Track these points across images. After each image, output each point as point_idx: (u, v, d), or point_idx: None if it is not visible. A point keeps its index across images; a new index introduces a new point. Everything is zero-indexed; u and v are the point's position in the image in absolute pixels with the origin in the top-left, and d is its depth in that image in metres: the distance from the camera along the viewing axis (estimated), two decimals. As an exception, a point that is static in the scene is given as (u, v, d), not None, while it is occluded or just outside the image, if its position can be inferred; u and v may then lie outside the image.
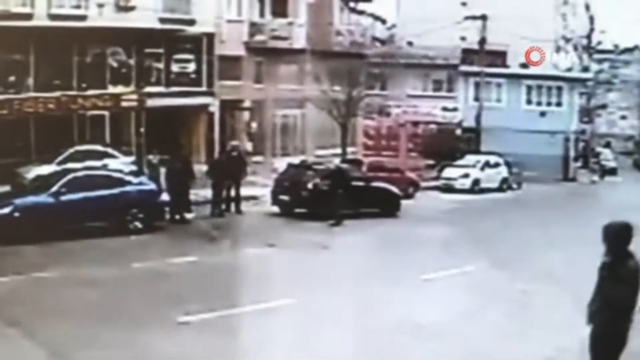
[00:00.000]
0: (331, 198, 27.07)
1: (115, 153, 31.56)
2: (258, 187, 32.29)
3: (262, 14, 42.15)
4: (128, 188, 23.85)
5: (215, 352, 11.98)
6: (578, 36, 70.02)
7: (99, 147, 31.44)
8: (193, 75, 38.58)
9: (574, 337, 12.56)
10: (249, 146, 39.19)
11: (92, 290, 15.49)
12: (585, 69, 70.04)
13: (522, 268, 19.33)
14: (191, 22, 37.54)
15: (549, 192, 45.28)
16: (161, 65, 37.42)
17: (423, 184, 41.01)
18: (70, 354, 11.61)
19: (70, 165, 26.76)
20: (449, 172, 44.83)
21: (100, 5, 34.02)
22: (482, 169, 45.43)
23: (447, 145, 52.48)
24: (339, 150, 41.86)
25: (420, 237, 25.20)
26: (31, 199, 22.17)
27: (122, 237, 22.20)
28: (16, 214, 21.25)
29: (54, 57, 32.83)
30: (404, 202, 31.99)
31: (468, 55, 56.70)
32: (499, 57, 57.78)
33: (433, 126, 55.26)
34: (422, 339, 12.89)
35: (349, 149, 43.48)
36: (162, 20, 36.41)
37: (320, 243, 22.62)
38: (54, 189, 22.27)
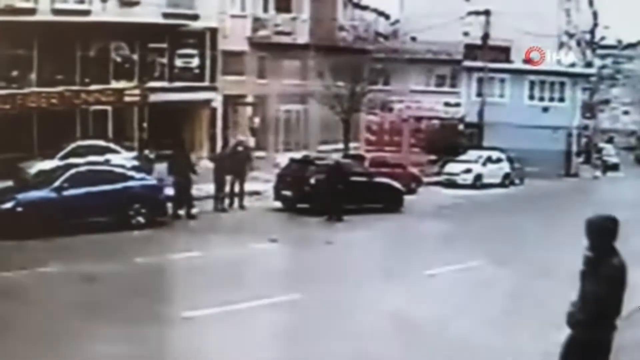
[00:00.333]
0: (327, 193, 27.07)
1: (118, 148, 31.60)
2: (261, 182, 32.30)
3: (265, 9, 42.16)
4: (130, 183, 23.84)
5: (219, 347, 11.99)
6: (581, 32, 69.94)
7: (101, 142, 31.48)
8: (196, 70, 38.63)
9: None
10: (251, 141, 39.19)
11: (94, 285, 15.51)
12: (589, 65, 69.94)
13: (525, 263, 19.34)
14: (195, 17, 37.56)
15: (551, 187, 45.29)
16: (164, 60, 37.45)
17: (425, 179, 41.00)
18: (67, 349, 11.62)
19: (72, 160, 26.80)
20: (451, 167, 44.83)
21: (104, 0, 34.06)
22: (485, 164, 45.41)
23: (449, 140, 52.45)
24: (341, 146, 41.86)
25: (423, 232, 25.23)
26: (34, 194, 22.18)
27: (124, 232, 22.22)
28: (19, 209, 21.25)
29: (57, 52, 32.85)
30: (407, 198, 31.99)
31: (471, 50, 56.65)
32: (502, 52, 57.72)
33: (436, 121, 55.24)
34: (423, 334, 12.91)
35: (352, 144, 43.48)
36: (166, 15, 36.42)
37: (323, 238, 22.62)
38: (57, 184, 22.27)
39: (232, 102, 40.50)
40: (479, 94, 55.57)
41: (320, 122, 43.94)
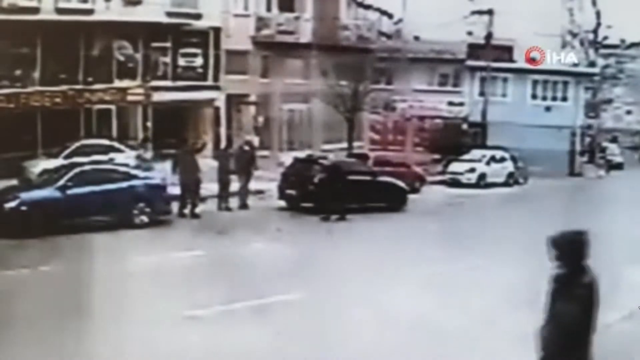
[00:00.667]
0: (328, 193, 27.05)
1: (122, 147, 31.61)
2: (264, 182, 32.29)
3: (268, 8, 42.14)
4: (134, 182, 23.87)
5: (222, 346, 11.98)
6: (585, 31, 69.84)
7: (105, 141, 31.50)
8: (200, 70, 38.61)
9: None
10: (255, 140, 39.20)
11: (97, 285, 15.49)
12: (592, 64, 69.85)
13: (530, 263, 19.27)
14: (198, 16, 37.55)
15: (555, 186, 45.23)
16: (168, 59, 37.44)
17: (429, 179, 41.00)
18: (72, 349, 11.61)
19: (76, 159, 26.81)
20: (455, 166, 44.81)
21: (107, 0, 34.07)
22: (488, 163, 45.38)
23: (453, 139, 52.45)
24: (345, 145, 41.85)
25: (426, 231, 25.20)
26: (38, 193, 22.22)
27: (128, 230, 22.23)
28: (23, 208, 21.29)
29: (61, 51, 32.85)
30: (411, 197, 31.99)
31: (474, 50, 56.61)
32: (506, 51, 57.71)
33: (439, 121, 55.23)
34: (425, 333, 12.88)
35: (356, 144, 43.48)
36: (169, 14, 36.42)
37: (327, 237, 22.63)
38: (61, 183, 22.30)
39: (236, 101, 40.49)
40: (482, 93, 55.56)
41: (323, 122, 43.93)
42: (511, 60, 58.26)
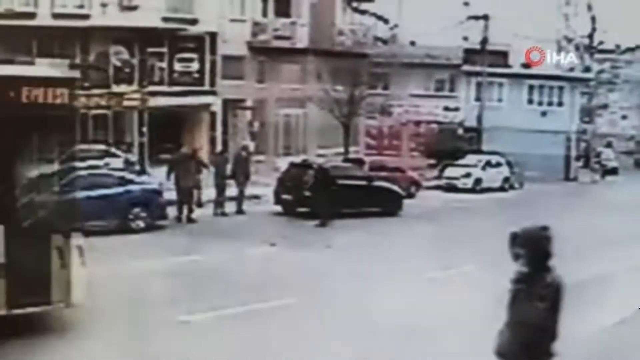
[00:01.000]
0: (317, 198, 27.05)
1: (118, 152, 31.64)
2: (260, 187, 32.35)
3: (264, 14, 42.22)
4: (130, 187, 23.92)
5: (216, 351, 12.03)
6: (580, 36, 70.00)
7: (101, 146, 31.52)
8: (196, 75, 38.67)
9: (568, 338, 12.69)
10: (251, 146, 39.25)
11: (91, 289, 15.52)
12: (587, 69, 69.98)
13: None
14: (194, 22, 37.61)
15: (550, 191, 45.28)
16: (164, 65, 37.50)
17: (425, 183, 41.07)
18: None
19: (72, 164, 26.77)
20: (450, 171, 44.89)
21: (104, 5, 34.13)
22: (484, 168, 45.47)
23: (449, 144, 52.52)
24: (341, 150, 41.90)
25: (422, 236, 25.22)
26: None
27: (124, 235, 22.27)
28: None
29: (57, 56, 32.87)
30: (406, 202, 32.05)
31: (470, 55, 56.73)
32: (501, 57, 57.84)
33: (435, 126, 55.29)
34: (421, 338, 12.93)
35: (351, 149, 43.55)
36: (165, 20, 36.48)
37: (323, 242, 22.66)
38: (57, 188, 22.25)
39: (232, 106, 40.54)
40: (478, 99, 55.65)
41: (319, 127, 43.98)
42: (507, 66, 58.41)
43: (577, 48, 68.24)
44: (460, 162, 46.20)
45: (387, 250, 22.17)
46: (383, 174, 34.48)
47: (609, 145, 78.93)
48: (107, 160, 29.35)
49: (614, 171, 65.63)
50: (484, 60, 53.95)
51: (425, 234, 25.54)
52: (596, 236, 24.46)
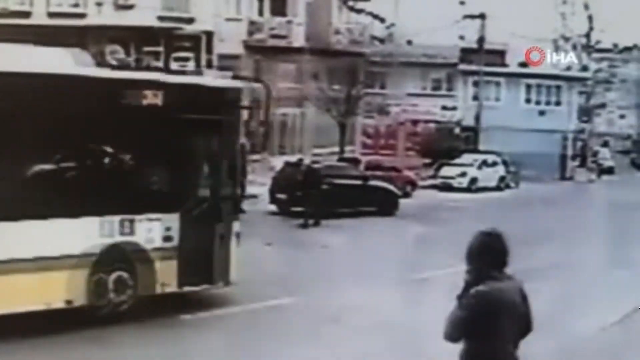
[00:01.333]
0: (306, 198, 27.00)
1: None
2: (256, 186, 32.30)
3: (261, 13, 42.20)
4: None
5: (212, 352, 12.02)
6: (577, 35, 70.08)
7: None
8: (192, 74, 38.60)
9: (566, 335, 12.69)
10: (248, 145, 39.13)
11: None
12: (584, 68, 70.04)
13: (520, 266, 19.32)
14: (190, 21, 37.57)
15: (546, 191, 45.30)
16: (160, 64, 37.41)
17: (421, 183, 41.07)
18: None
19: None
20: (446, 170, 44.92)
21: (99, 4, 34.12)
22: (480, 167, 45.50)
23: (446, 144, 52.56)
24: (337, 149, 41.86)
25: (417, 235, 25.18)
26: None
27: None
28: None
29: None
30: (402, 201, 32.04)
31: (467, 54, 56.81)
32: (498, 56, 57.92)
33: (432, 125, 55.28)
34: (408, 338, 12.90)
35: (348, 148, 43.52)
36: (161, 19, 36.44)
37: (317, 242, 22.66)
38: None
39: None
40: (475, 98, 55.67)
41: (316, 126, 43.93)
42: (504, 65, 58.45)
43: (574, 47, 68.33)
44: (456, 161, 46.25)
45: (382, 249, 22.13)
46: (379, 173, 34.48)
47: (605, 144, 79.08)
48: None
49: (610, 170, 65.74)
50: (481, 59, 53.97)
51: (421, 233, 25.53)
52: (592, 237, 24.49)
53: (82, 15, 33.76)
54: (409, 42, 56.25)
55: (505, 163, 46.99)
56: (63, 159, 12.60)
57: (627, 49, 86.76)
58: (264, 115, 18.20)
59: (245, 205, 28.52)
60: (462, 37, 55.44)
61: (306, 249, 22.12)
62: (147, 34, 36.05)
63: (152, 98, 13.28)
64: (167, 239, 13.35)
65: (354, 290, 16.07)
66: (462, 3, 54.69)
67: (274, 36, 42.03)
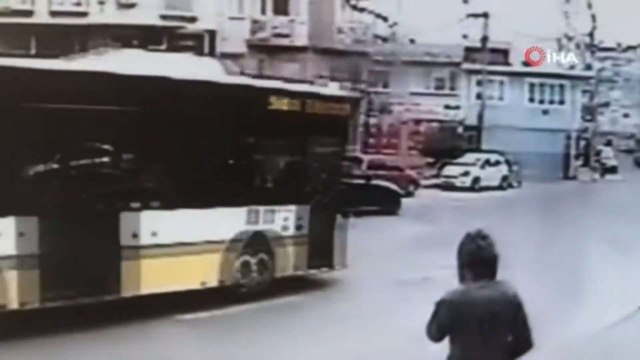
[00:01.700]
0: None
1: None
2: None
3: (263, 11, 42.22)
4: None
5: (208, 352, 11.99)
6: (580, 34, 70.01)
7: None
8: (194, 73, 38.60)
9: (571, 334, 12.64)
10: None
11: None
12: (588, 67, 69.97)
13: (522, 266, 19.29)
14: (192, 19, 37.59)
15: (549, 190, 45.27)
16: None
17: (423, 182, 41.03)
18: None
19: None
20: (449, 170, 44.89)
21: (101, 2, 34.11)
22: (483, 167, 45.47)
23: (448, 143, 52.53)
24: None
25: (420, 235, 25.17)
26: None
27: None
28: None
29: (55, 54, 32.82)
30: (405, 200, 32.00)
31: (470, 53, 56.74)
32: (501, 55, 57.86)
33: (435, 124, 55.26)
34: (412, 338, 12.84)
35: (350, 147, 43.43)
36: (163, 17, 36.47)
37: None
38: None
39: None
40: (479, 97, 55.61)
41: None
42: (507, 64, 58.37)
43: (577, 46, 68.26)
44: (459, 160, 46.22)
45: (385, 249, 22.09)
46: (381, 172, 34.45)
47: (608, 143, 79.08)
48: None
49: (613, 170, 65.68)
50: (485, 58, 53.91)
51: (423, 232, 25.50)
52: (594, 236, 24.45)
53: (84, 14, 33.78)
54: (412, 41, 56.17)
55: (508, 162, 46.96)
56: (227, 157, 14.47)
57: (631, 47, 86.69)
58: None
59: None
60: (465, 36, 55.36)
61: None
62: (150, 33, 36.00)
63: (293, 105, 15.10)
64: (299, 227, 15.29)
65: (354, 290, 16.07)
66: (465, 2, 54.54)
67: (276, 35, 42.07)
